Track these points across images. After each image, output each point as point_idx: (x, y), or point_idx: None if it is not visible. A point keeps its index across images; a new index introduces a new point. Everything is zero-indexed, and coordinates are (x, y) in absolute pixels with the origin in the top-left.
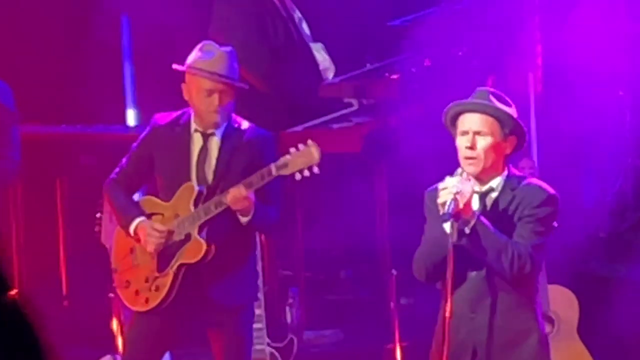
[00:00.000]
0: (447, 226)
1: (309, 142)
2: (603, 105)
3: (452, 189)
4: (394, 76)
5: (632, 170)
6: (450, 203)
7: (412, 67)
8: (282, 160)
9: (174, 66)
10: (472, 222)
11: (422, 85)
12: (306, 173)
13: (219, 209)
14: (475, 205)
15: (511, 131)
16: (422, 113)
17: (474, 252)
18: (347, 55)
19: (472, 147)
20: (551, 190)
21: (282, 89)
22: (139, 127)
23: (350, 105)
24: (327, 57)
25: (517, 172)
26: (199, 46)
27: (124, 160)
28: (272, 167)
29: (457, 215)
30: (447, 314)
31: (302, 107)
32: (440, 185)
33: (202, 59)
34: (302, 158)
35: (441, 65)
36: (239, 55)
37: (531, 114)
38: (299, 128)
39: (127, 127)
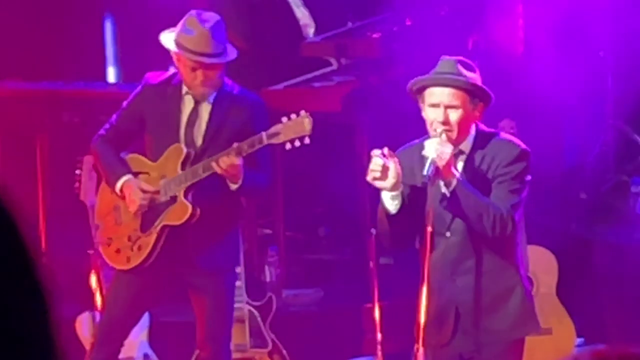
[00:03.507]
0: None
1: (302, 112)
2: (584, 66)
3: (431, 152)
4: (376, 35)
5: (612, 131)
6: (430, 165)
7: (393, 26)
8: (273, 128)
9: (161, 39)
10: (453, 185)
11: (404, 44)
12: (297, 143)
13: (207, 173)
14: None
15: (479, 99)
16: (404, 72)
17: (455, 214)
18: (329, 13)
19: (445, 122)
20: (522, 145)
21: (261, 46)
22: (120, 84)
23: (331, 63)
24: (306, 13)
25: (484, 128)
26: (184, 19)
27: (113, 116)
28: (263, 135)
29: (435, 178)
30: (425, 281)
31: (283, 64)
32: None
33: (184, 35)
34: (294, 128)
35: (423, 25)
36: (215, 12)
37: (512, 74)
38: (280, 86)
39: (108, 84)
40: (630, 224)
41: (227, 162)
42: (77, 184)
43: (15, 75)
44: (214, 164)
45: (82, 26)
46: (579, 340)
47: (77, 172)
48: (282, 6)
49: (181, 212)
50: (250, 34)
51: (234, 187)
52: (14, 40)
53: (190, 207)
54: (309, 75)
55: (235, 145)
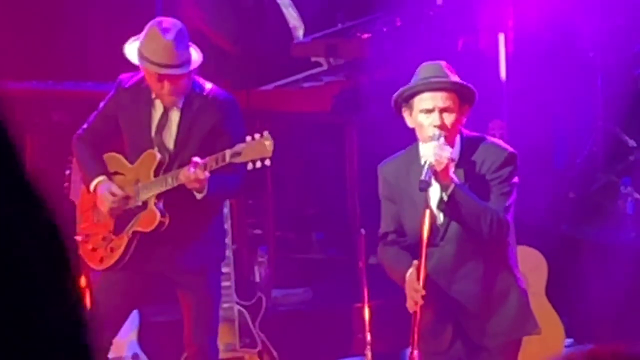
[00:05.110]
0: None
1: (265, 133)
2: (574, 67)
3: (429, 156)
4: (365, 36)
5: (602, 132)
6: (427, 170)
7: (383, 26)
8: (237, 147)
9: (125, 51)
10: (451, 189)
11: (394, 45)
12: (258, 164)
13: (175, 184)
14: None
15: (467, 100)
16: (393, 73)
17: (453, 218)
18: (318, 14)
19: (442, 126)
20: (509, 148)
21: (251, 47)
22: (110, 84)
23: (320, 64)
24: (296, 15)
25: (468, 133)
26: (146, 30)
27: (91, 117)
28: (227, 153)
29: (431, 182)
30: (421, 285)
31: (273, 65)
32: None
33: (148, 47)
34: (256, 149)
35: (412, 25)
36: (206, 17)
37: (502, 75)
38: (270, 87)
39: (98, 84)
40: (619, 224)
41: (192, 176)
42: (66, 184)
43: (4, 74)
44: (181, 176)
45: (71, 25)
46: (568, 341)
47: (67, 171)
48: (271, 7)
49: (150, 220)
50: (239, 35)
51: (199, 196)
52: (4, 40)
53: (158, 215)
54: (299, 76)
55: (201, 161)
